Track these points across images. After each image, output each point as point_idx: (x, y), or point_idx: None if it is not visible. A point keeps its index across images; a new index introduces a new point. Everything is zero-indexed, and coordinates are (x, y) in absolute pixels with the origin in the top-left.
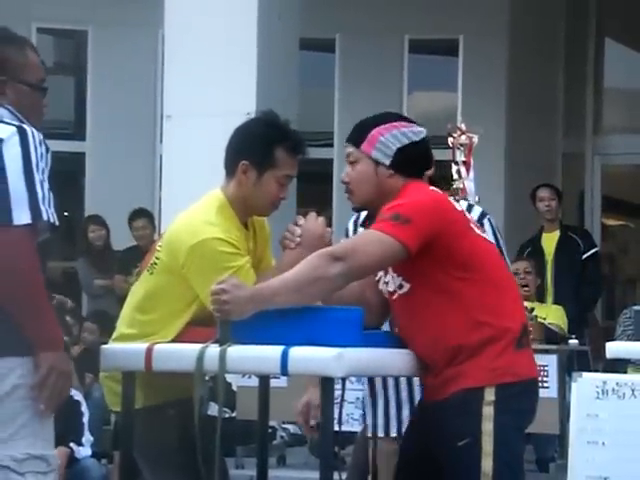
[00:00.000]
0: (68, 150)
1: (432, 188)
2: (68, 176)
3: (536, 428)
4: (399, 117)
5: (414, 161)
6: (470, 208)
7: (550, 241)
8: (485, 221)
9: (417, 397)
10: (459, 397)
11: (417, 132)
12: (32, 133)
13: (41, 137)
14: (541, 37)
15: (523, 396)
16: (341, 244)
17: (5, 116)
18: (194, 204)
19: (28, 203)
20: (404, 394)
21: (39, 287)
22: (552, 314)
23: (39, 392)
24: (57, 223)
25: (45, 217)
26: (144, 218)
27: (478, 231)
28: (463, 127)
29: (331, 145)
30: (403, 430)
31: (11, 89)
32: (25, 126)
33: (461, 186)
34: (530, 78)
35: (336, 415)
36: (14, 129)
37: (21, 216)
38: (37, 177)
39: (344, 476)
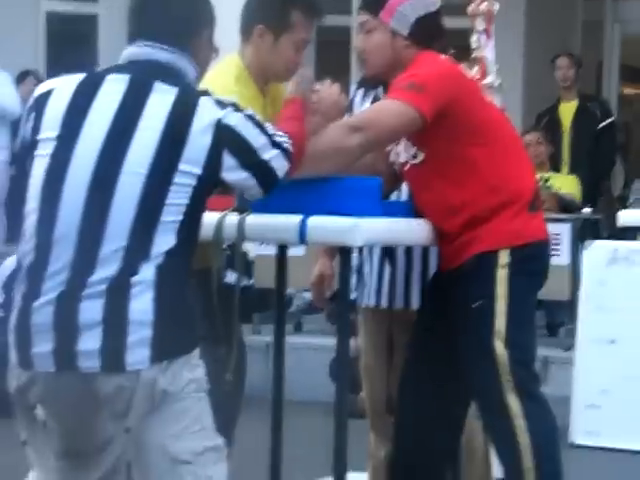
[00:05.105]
0: (79, 12)
1: (444, 57)
2: (81, 39)
3: (547, 294)
4: None
5: (430, 32)
6: None
7: (567, 111)
8: None
9: (430, 270)
10: (474, 261)
11: (433, 2)
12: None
13: None
14: None
15: (536, 258)
16: (358, 115)
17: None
18: (211, 70)
19: None
20: (416, 266)
21: None
22: (566, 184)
23: None
24: None
25: None
26: None
27: (489, 100)
28: None
29: (349, 12)
30: (412, 302)
31: None
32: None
33: (480, 55)
34: None
35: (352, 283)
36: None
37: None
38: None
39: (359, 342)
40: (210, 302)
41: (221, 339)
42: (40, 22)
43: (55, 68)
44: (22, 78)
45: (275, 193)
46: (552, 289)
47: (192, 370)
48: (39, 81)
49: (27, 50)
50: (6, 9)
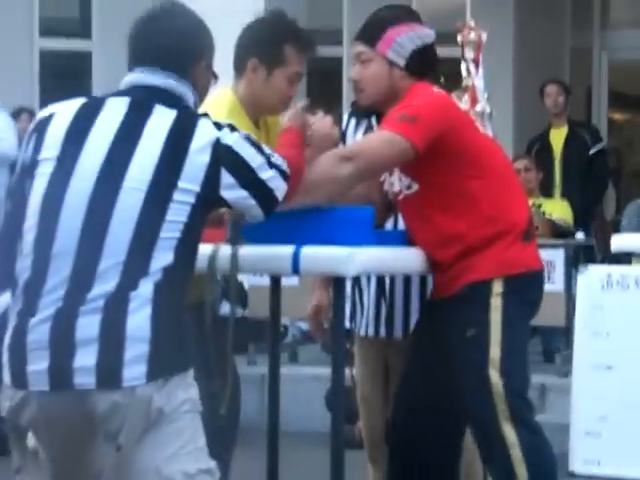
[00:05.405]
0: (73, 49)
1: (437, 89)
2: (75, 76)
3: (543, 321)
4: (410, 14)
5: (425, 63)
6: None
7: (558, 137)
8: None
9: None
10: (467, 290)
11: (429, 34)
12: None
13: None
14: None
15: (530, 287)
16: (350, 145)
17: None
18: (204, 103)
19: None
20: (415, 294)
21: None
22: (558, 209)
23: None
24: None
25: None
26: None
27: (481, 130)
28: (472, 24)
29: (340, 43)
30: (411, 330)
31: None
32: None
33: (470, 84)
34: None
35: (347, 313)
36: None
37: None
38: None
39: (354, 372)
40: (204, 337)
41: (215, 374)
42: (34, 59)
43: (49, 105)
44: (17, 115)
45: (268, 224)
46: (547, 315)
47: (187, 389)
48: (33, 118)
49: (21, 87)
50: (0, 46)
